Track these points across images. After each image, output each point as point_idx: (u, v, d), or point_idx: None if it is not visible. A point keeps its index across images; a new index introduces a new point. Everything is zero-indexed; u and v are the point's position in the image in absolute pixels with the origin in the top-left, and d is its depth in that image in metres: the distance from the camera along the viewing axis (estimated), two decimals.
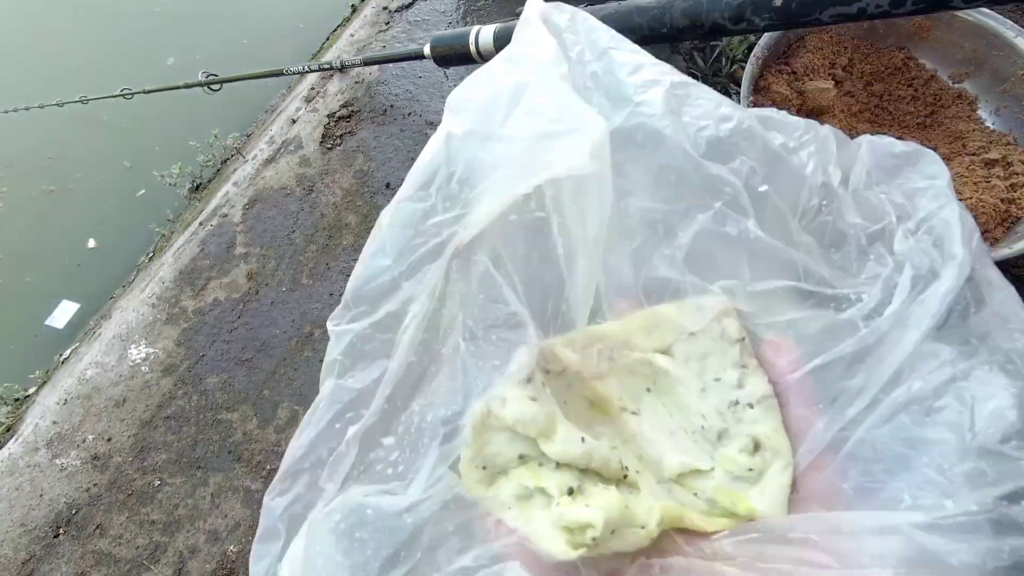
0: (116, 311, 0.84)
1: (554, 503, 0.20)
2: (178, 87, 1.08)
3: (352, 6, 1.42)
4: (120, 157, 1.32)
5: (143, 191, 1.15)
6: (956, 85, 0.84)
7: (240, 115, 1.34)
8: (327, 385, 0.22)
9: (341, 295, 0.75)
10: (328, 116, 0.90)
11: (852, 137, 0.24)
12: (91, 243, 1.22)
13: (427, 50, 0.79)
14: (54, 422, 0.69)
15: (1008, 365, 0.19)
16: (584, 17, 0.27)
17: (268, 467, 0.66)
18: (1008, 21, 0.78)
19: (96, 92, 1.24)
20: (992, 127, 0.81)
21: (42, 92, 1.42)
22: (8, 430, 0.81)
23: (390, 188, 0.83)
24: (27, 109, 1.28)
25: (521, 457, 0.22)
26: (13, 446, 0.69)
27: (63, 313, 1.13)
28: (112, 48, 1.51)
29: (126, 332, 0.75)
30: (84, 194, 1.29)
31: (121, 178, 1.29)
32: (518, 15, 0.87)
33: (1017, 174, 0.73)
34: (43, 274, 1.19)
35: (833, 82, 0.82)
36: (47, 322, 1.13)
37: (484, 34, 0.73)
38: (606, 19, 0.63)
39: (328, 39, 1.45)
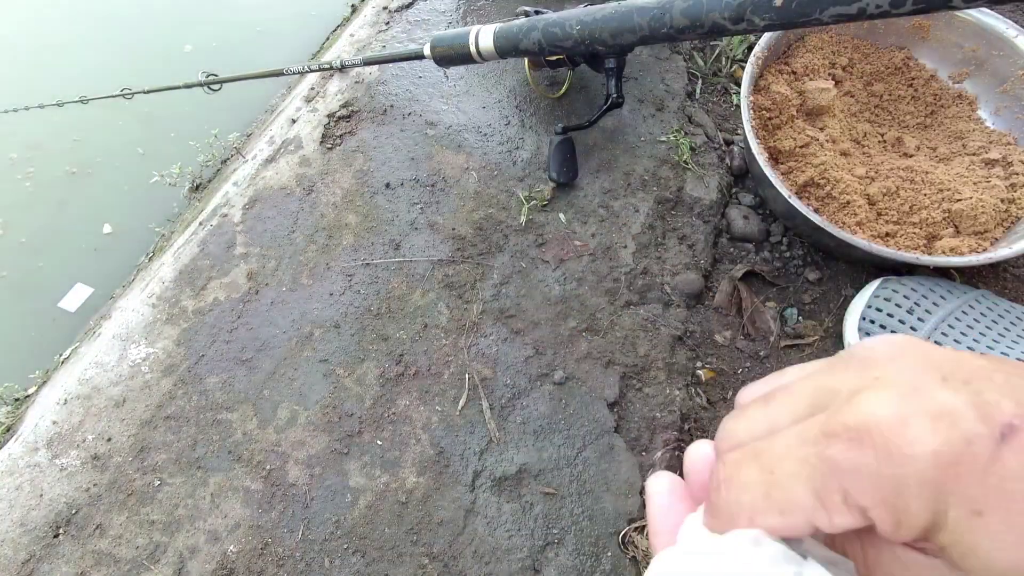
0: (116, 311, 0.83)
1: None
2: (178, 87, 1.08)
3: (352, 6, 1.42)
4: (136, 143, 1.33)
5: (155, 179, 1.16)
6: (956, 85, 0.84)
7: (240, 115, 1.33)
8: None
9: (341, 295, 0.75)
10: (328, 116, 0.90)
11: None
12: (107, 228, 1.22)
13: (427, 50, 0.79)
14: (54, 422, 0.69)
15: None
16: None
17: (268, 467, 0.66)
18: (1008, 21, 0.78)
19: (116, 76, 1.24)
20: (992, 127, 0.81)
21: (57, 76, 1.43)
22: (8, 430, 0.81)
23: (390, 188, 0.83)
24: (27, 109, 1.28)
25: None
26: (13, 446, 0.69)
27: (76, 296, 1.13)
28: (126, 37, 1.52)
29: (126, 332, 0.75)
30: (103, 178, 1.30)
31: (136, 164, 1.30)
32: (518, 15, 0.88)
33: (1017, 174, 0.73)
34: (61, 257, 1.20)
35: (833, 82, 0.82)
36: (59, 304, 1.13)
37: (484, 34, 0.73)
38: (606, 19, 0.63)
39: (328, 39, 1.45)
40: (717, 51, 0.97)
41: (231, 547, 0.62)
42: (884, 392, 0.15)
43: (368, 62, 0.89)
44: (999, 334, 0.62)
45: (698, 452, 0.21)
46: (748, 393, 0.19)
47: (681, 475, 0.21)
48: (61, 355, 0.96)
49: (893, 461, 0.14)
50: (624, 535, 0.62)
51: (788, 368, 0.19)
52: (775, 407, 0.17)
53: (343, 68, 0.93)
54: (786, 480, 0.15)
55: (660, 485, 0.21)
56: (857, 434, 0.14)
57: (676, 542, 0.19)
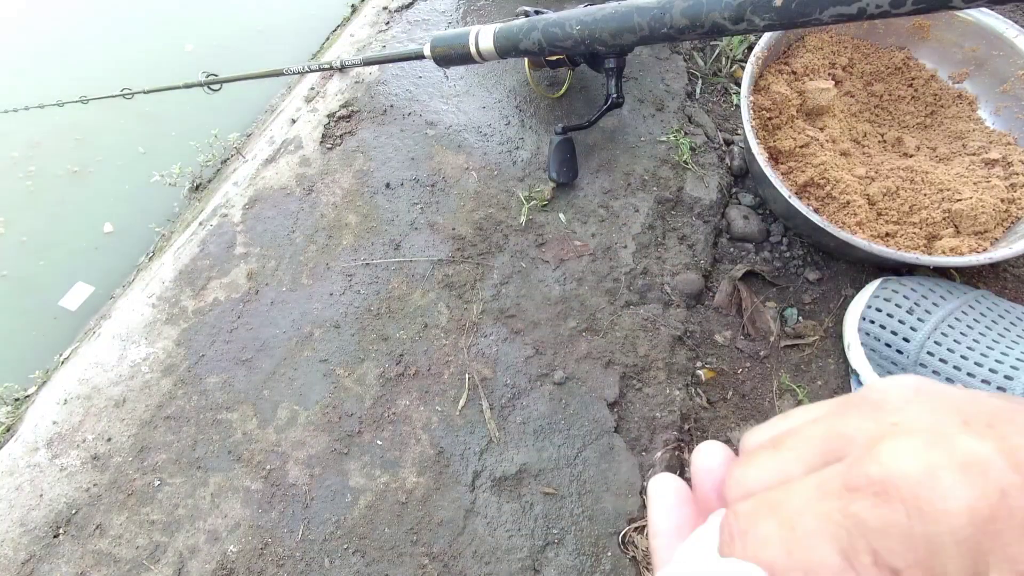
0: (116, 311, 0.83)
1: None
2: (178, 87, 1.08)
3: (352, 6, 1.42)
4: (137, 142, 1.33)
5: (156, 178, 1.16)
6: (956, 85, 0.84)
7: (240, 115, 1.34)
8: None
9: (341, 295, 0.76)
10: (328, 116, 0.90)
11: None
12: (107, 227, 1.22)
13: (427, 50, 0.79)
14: (54, 422, 0.69)
15: None
16: None
17: (268, 467, 0.66)
18: (1008, 21, 0.78)
19: (116, 75, 1.24)
20: (992, 127, 0.81)
21: (59, 76, 1.44)
22: (8, 430, 0.81)
23: (390, 188, 0.83)
24: (27, 109, 1.28)
25: None
26: (13, 446, 0.69)
27: (76, 295, 1.14)
28: (128, 37, 1.52)
29: (126, 332, 0.75)
30: (104, 177, 1.30)
31: (137, 164, 1.30)
32: (518, 15, 0.88)
33: (1017, 174, 0.73)
34: (62, 256, 1.20)
35: (833, 82, 0.82)
36: (60, 303, 1.13)
37: (484, 34, 0.73)
38: (606, 19, 0.63)
39: (328, 39, 1.45)
40: (717, 51, 0.97)
41: (231, 547, 0.62)
42: (906, 440, 0.14)
43: (368, 62, 0.89)
44: (999, 334, 0.62)
45: (706, 459, 0.20)
46: (754, 437, 0.19)
47: (683, 477, 0.21)
48: (61, 355, 0.96)
49: (926, 519, 0.13)
50: (624, 535, 0.62)
51: (793, 410, 0.19)
52: (785, 453, 0.16)
53: (343, 68, 0.93)
54: (809, 538, 0.14)
55: (664, 487, 0.21)
56: (884, 488, 0.13)
57: (678, 559, 0.18)
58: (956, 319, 0.63)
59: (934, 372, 0.61)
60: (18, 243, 1.22)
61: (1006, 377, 0.57)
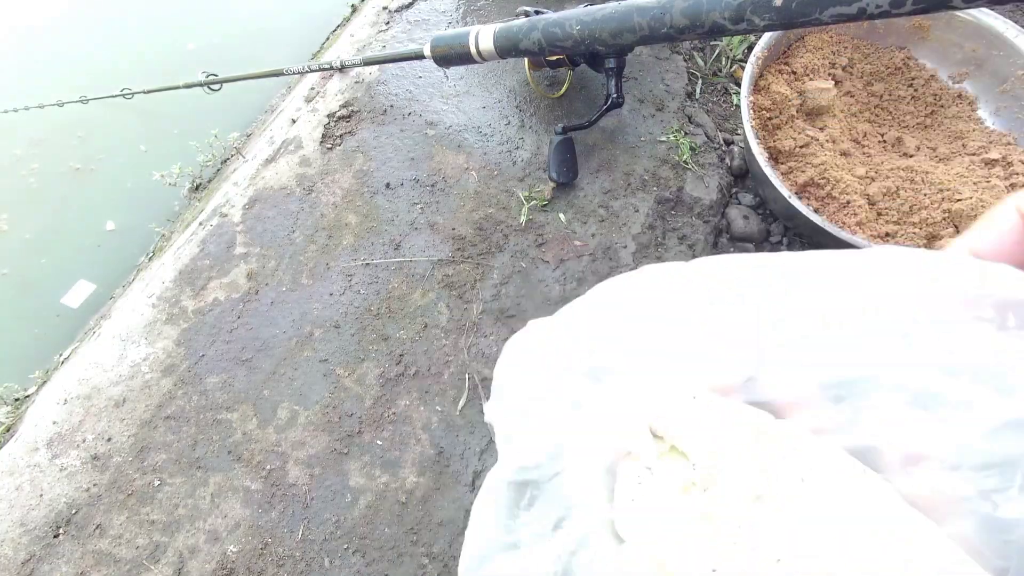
0: (116, 311, 0.84)
1: None
2: (178, 87, 1.08)
3: (352, 6, 1.42)
4: (139, 141, 1.34)
5: (157, 177, 1.16)
6: (956, 85, 0.84)
7: (240, 115, 1.34)
8: None
9: (341, 295, 0.75)
10: (328, 116, 0.90)
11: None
12: (110, 225, 1.23)
13: (427, 50, 0.79)
14: (54, 422, 0.69)
15: None
16: None
17: (268, 467, 0.66)
18: (1008, 21, 0.78)
19: (119, 73, 1.24)
20: (992, 127, 0.81)
21: (62, 73, 1.44)
22: (8, 430, 0.81)
23: (390, 188, 0.83)
24: (27, 109, 1.28)
25: None
26: (13, 446, 0.69)
27: (78, 293, 1.14)
28: (131, 35, 1.53)
29: (126, 332, 0.75)
30: (106, 175, 1.31)
31: (139, 162, 1.30)
32: (518, 15, 0.88)
33: (1017, 174, 0.73)
34: (64, 254, 1.21)
35: (833, 82, 0.82)
36: (62, 301, 1.13)
37: (484, 34, 0.73)
38: (606, 19, 0.63)
39: (328, 39, 1.45)
40: (717, 51, 0.97)
41: (231, 547, 0.62)
42: None
43: (368, 62, 0.89)
44: None
45: None
46: None
47: None
48: (61, 355, 0.96)
49: None
50: None
51: None
52: None
53: (343, 68, 0.93)
54: None
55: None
56: None
57: None
58: None
59: None
60: (21, 241, 1.22)
61: None
